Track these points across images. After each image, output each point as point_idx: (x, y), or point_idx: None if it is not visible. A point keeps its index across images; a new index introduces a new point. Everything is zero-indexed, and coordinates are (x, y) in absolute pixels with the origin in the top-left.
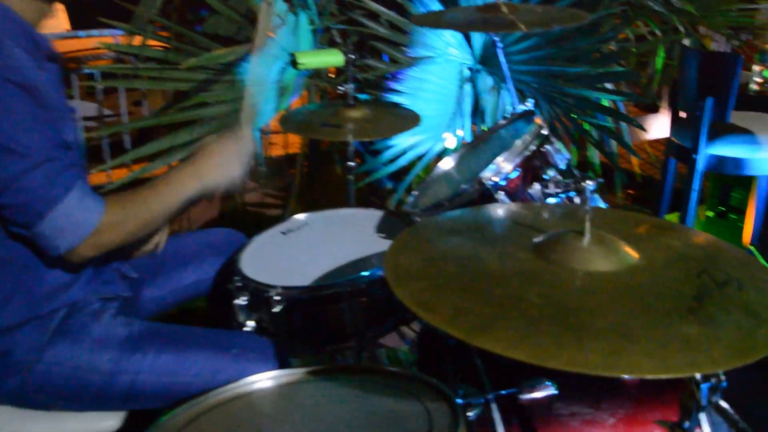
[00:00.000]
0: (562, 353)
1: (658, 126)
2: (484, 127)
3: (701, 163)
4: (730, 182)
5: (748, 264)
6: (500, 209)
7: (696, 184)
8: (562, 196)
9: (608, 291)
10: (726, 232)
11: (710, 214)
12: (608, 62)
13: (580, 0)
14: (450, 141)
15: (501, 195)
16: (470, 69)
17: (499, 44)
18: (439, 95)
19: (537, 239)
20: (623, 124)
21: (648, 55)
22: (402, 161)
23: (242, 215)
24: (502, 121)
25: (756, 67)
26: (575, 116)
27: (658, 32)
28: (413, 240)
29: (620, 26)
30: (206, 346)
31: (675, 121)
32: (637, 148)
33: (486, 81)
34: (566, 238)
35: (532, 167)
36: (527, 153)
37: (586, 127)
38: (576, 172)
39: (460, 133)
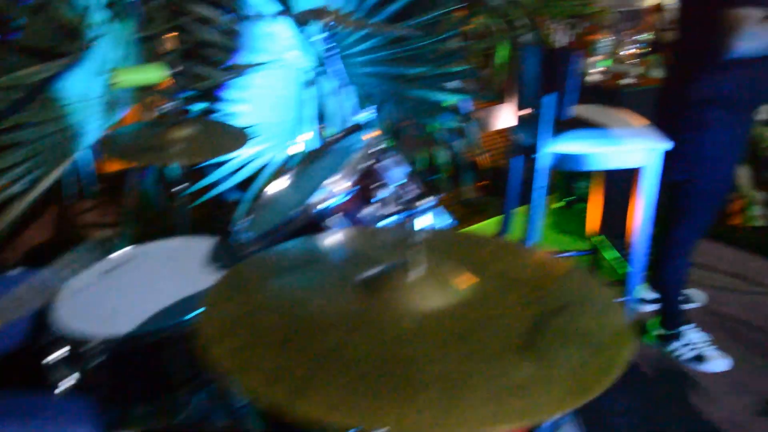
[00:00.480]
0: (390, 413)
1: (506, 116)
2: (330, 133)
3: (543, 161)
4: (574, 173)
5: (583, 284)
6: (330, 239)
7: (539, 183)
8: (403, 215)
9: (441, 332)
10: (573, 222)
11: (558, 204)
12: (449, 61)
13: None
14: (296, 147)
15: (334, 220)
16: (313, 72)
17: (335, 50)
18: (281, 101)
19: (363, 276)
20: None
21: (494, 49)
22: (245, 172)
23: (77, 240)
24: (339, 134)
25: (593, 58)
26: (419, 118)
27: (502, 26)
28: (232, 285)
29: (459, 24)
30: (12, 414)
31: (518, 118)
32: (488, 139)
33: (330, 84)
34: (394, 272)
35: (368, 185)
36: (363, 170)
37: (432, 128)
38: (415, 187)
39: (305, 138)
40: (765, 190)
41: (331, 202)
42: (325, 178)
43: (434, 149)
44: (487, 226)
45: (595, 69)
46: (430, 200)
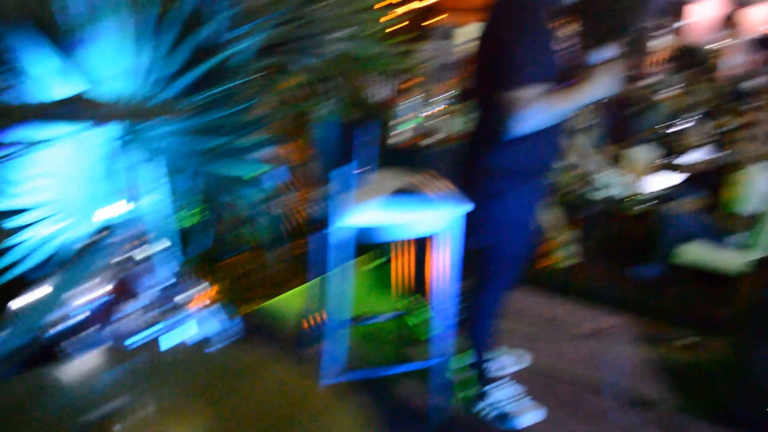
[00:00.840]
0: None
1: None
2: (136, 204)
3: (338, 235)
4: None
5: (321, 413)
6: (60, 371)
7: (336, 257)
8: (163, 327)
9: None
10: (383, 281)
11: (372, 264)
12: (250, 131)
13: (218, 69)
14: (92, 226)
15: (76, 341)
16: (116, 144)
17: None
18: (82, 173)
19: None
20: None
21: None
22: (46, 251)
23: None
24: (94, 235)
25: (402, 117)
26: (222, 192)
27: (313, 88)
28: None
29: (262, 91)
30: None
31: (315, 190)
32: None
33: (137, 155)
34: (118, 416)
35: (122, 294)
36: (117, 276)
37: (238, 200)
38: (182, 291)
39: (104, 216)
40: (576, 228)
41: (75, 320)
42: (72, 288)
43: (243, 222)
44: (295, 294)
45: (405, 128)
46: (198, 304)
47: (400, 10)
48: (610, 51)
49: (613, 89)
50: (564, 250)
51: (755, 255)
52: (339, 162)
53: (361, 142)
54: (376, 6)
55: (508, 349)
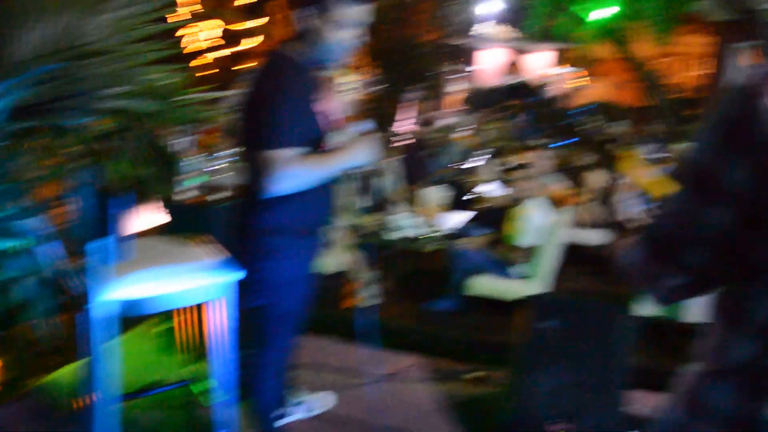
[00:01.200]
0: None
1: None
2: None
3: (99, 311)
4: None
5: None
6: None
7: (99, 335)
8: None
9: None
10: (168, 349)
11: (161, 327)
12: (11, 198)
13: None
14: None
15: None
16: None
17: None
18: None
19: None
20: None
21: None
22: None
23: None
24: None
25: (186, 174)
26: None
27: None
28: None
29: (26, 155)
30: None
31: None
32: None
33: None
34: None
35: None
36: None
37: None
38: None
39: None
40: (375, 269)
41: None
42: None
43: (12, 296)
44: (67, 373)
45: (190, 185)
46: None
47: (211, 56)
48: (369, 123)
49: (371, 159)
50: (364, 292)
51: (534, 284)
52: (100, 232)
53: (120, 210)
54: (181, 50)
55: (307, 394)
